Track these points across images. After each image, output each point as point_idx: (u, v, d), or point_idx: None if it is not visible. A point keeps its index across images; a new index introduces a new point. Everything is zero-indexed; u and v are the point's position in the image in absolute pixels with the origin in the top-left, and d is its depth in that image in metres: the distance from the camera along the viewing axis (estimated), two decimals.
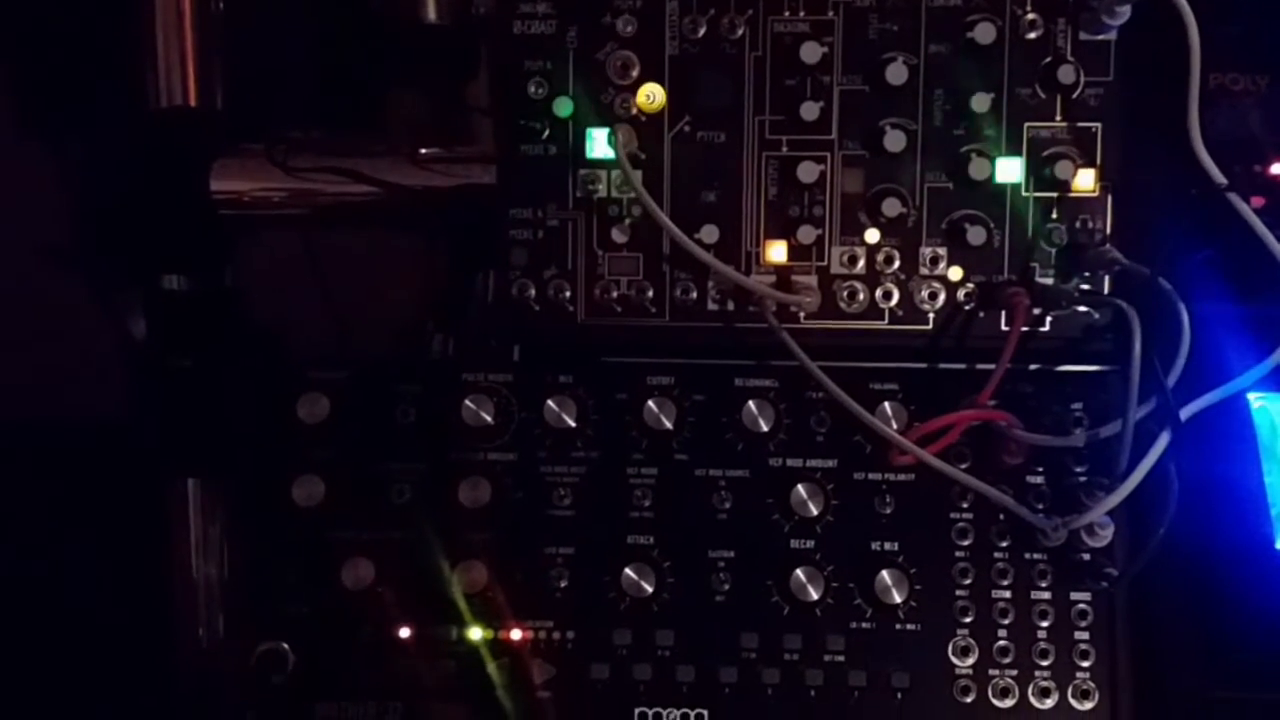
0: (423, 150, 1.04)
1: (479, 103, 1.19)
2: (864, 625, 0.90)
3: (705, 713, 0.90)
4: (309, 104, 1.21)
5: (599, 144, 0.90)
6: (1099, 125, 0.89)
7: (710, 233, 0.90)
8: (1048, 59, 0.88)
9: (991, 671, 0.90)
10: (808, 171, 0.89)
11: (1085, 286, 0.89)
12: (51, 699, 1.13)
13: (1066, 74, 0.87)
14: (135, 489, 1.08)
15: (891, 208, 0.89)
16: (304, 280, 1.14)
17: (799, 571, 0.89)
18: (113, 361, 1.13)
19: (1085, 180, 0.89)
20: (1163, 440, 0.80)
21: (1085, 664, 0.89)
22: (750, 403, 0.90)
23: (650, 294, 0.91)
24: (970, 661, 0.90)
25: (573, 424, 0.91)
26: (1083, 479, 0.89)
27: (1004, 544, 0.90)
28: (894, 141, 0.88)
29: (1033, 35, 0.88)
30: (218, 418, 1.05)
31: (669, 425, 0.91)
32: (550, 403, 0.91)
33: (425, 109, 1.22)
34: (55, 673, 1.13)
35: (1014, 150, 0.89)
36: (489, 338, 0.99)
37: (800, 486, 0.90)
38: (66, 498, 1.14)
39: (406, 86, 1.22)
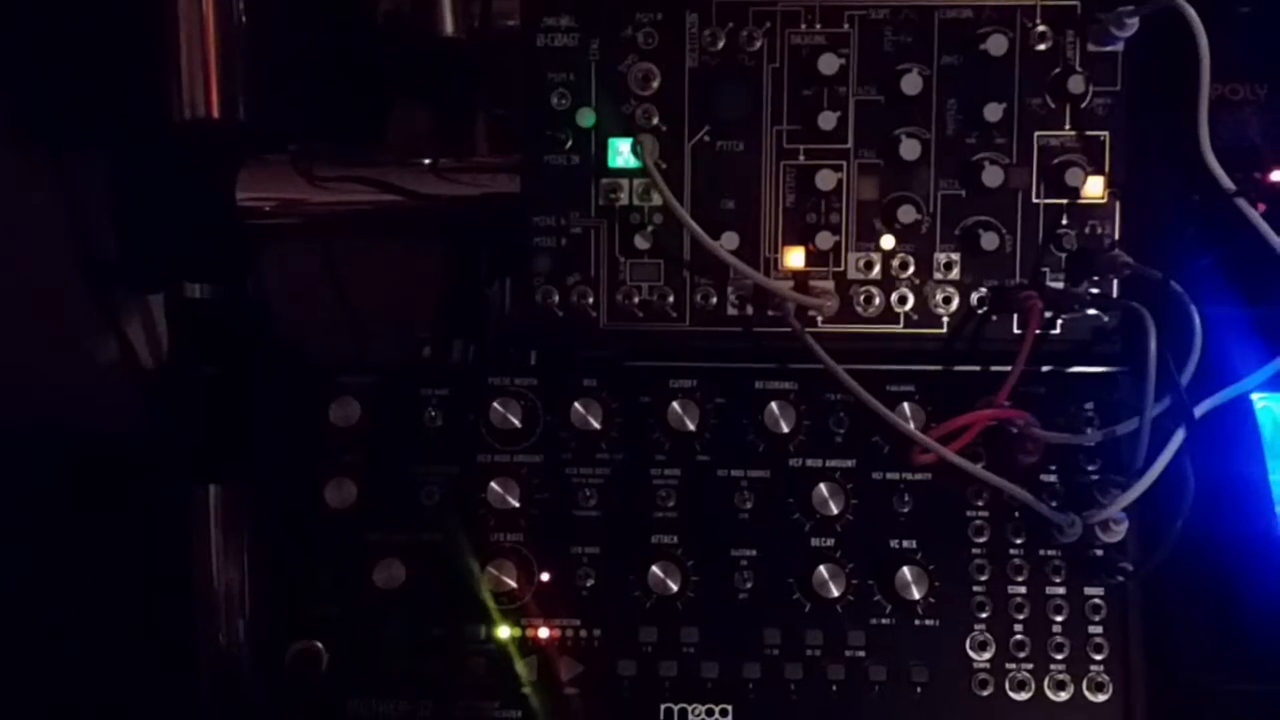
0: (441, 160, 1.06)
1: (491, 114, 1.22)
2: (884, 621, 0.92)
3: (730, 708, 0.91)
4: (318, 115, 1.23)
5: (621, 153, 0.92)
6: (1107, 134, 0.91)
7: (730, 239, 0.92)
8: (1057, 70, 0.90)
9: (1008, 665, 0.91)
10: (825, 179, 0.91)
11: (1094, 290, 0.91)
12: (79, 706, 1.14)
13: (1076, 84, 0.90)
14: (157, 496, 1.09)
15: (906, 214, 0.91)
16: (324, 288, 1.16)
17: (820, 569, 0.91)
18: (136, 368, 1.14)
19: (1094, 187, 0.91)
20: (1178, 437, 0.82)
21: (1099, 657, 0.91)
22: (772, 404, 0.92)
23: (671, 299, 0.93)
24: (987, 656, 0.91)
25: (598, 426, 0.92)
26: (1095, 477, 0.91)
27: (1019, 541, 0.92)
28: (909, 150, 0.90)
29: (1043, 47, 0.90)
30: (240, 423, 1.06)
31: (692, 427, 0.92)
32: (576, 405, 0.92)
33: (434, 120, 1.24)
34: (82, 679, 1.14)
35: (1024, 158, 0.91)
36: (511, 343, 1.01)
37: (821, 486, 0.91)
38: (88, 506, 1.16)
39: (416, 97, 1.24)
